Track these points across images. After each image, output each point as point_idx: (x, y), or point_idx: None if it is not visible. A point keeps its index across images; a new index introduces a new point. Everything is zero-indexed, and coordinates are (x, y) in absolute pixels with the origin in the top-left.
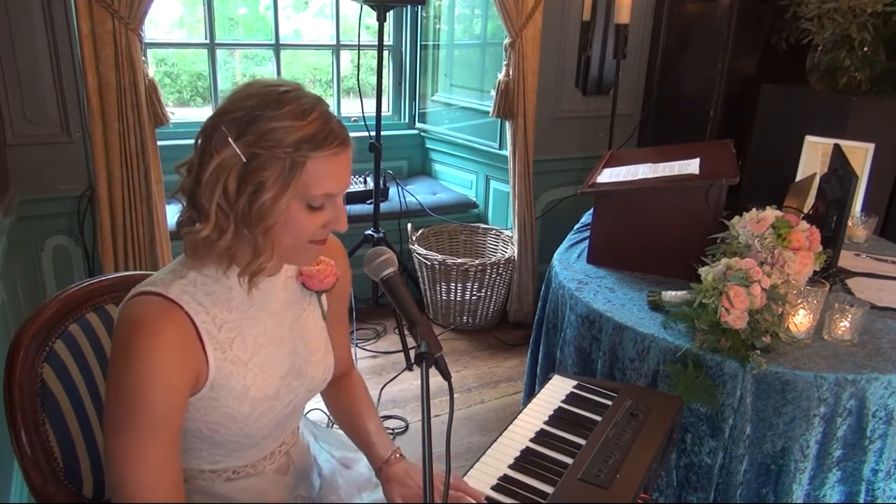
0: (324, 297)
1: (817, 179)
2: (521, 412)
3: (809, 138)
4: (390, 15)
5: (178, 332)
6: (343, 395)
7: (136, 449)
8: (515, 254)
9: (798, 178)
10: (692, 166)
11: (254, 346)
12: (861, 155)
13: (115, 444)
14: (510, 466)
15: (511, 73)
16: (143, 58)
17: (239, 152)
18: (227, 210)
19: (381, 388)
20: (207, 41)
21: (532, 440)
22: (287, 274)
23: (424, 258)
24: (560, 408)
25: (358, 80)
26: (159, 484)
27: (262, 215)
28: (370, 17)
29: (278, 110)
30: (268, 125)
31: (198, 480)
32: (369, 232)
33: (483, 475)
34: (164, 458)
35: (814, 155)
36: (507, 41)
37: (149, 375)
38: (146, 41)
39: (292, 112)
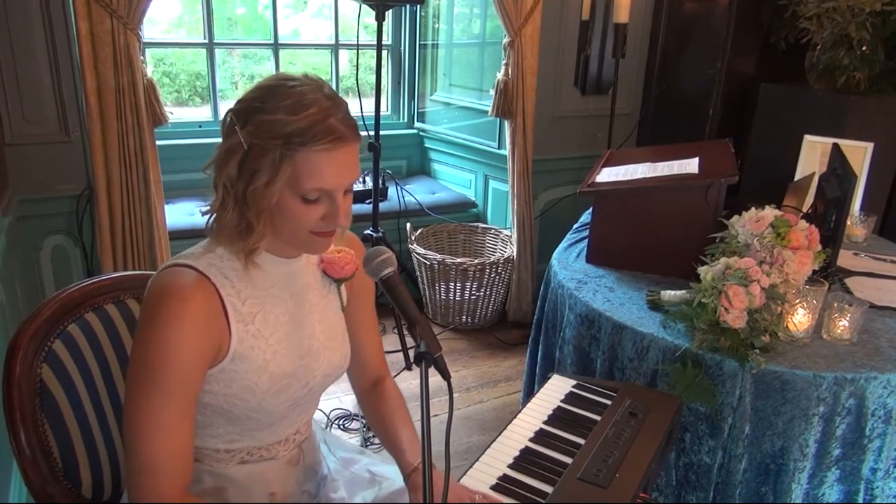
0: (343, 288)
1: (816, 179)
2: (520, 412)
3: (808, 137)
4: (389, 14)
5: (205, 301)
6: (378, 401)
7: (152, 409)
8: (514, 253)
9: (797, 178)
10: (691, 166)
11: (275, 322)
12: (860, 154)
13: (132, 403)
14: (509, 466)
15: (510, 72)
16: (142, 57)
17: (242, 140)
18: (229, 189)
19: None
20: (206, 41)
21: (531, 440)
22: (309, 259)
23: (423, 258)
24: (559, 407)
25: (357, 79)
26: (169, 445)
27: (254, 200)
28: (369, 16)
29: (277, 104)
30: (264, 117)
31: (211, 461)
32: (368, 231)
33: (482, 475)
34: (178, 422)
35: (813, 154)
36: (506, 40)
37: (174, 339)
38: (145, 41)
39: (289, 106)
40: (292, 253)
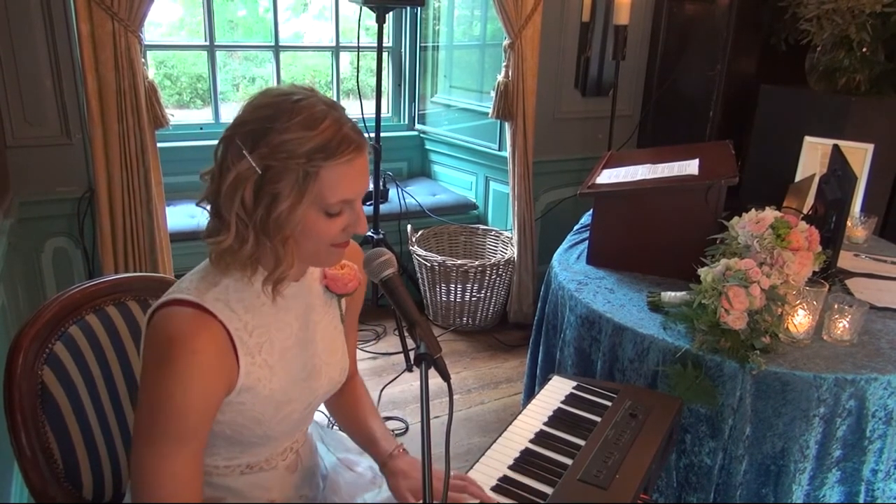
0: (343, 300)
1: (816, 180)
2: (520, 413)
3: (809, 139)
4: (390, 16)
5: (214, 345)
6: (346, 397)
7: (164, 458)
8: (515, 255)
9: (797, 179)
10: (691, 167)
11: (280, 349)
12: (860, 155)
13: (143, 450)
14: (510, 467)
15: (510, 74)
16: (143, 60)
17: (254, 165)
18: (246, 220)
19: (381, 390)
20: (207, 43)
21: (532, 441)
22: (312, 275)
23: (424, 259)
24: (560, 408)
25: (357, 81)
26: (180, 492)
27: (279, 225)
28: (369, 18)
29: (289, 121)
30: (280, 137)
31: (212, 476)
32: (369, 233)
33: (483, 476)
34: (190, 468)
35: (813, 155)
36: (506, 42)
37: (187, 392)
38: (146, 43)
39: (303, 122)
40: (299, 274)
